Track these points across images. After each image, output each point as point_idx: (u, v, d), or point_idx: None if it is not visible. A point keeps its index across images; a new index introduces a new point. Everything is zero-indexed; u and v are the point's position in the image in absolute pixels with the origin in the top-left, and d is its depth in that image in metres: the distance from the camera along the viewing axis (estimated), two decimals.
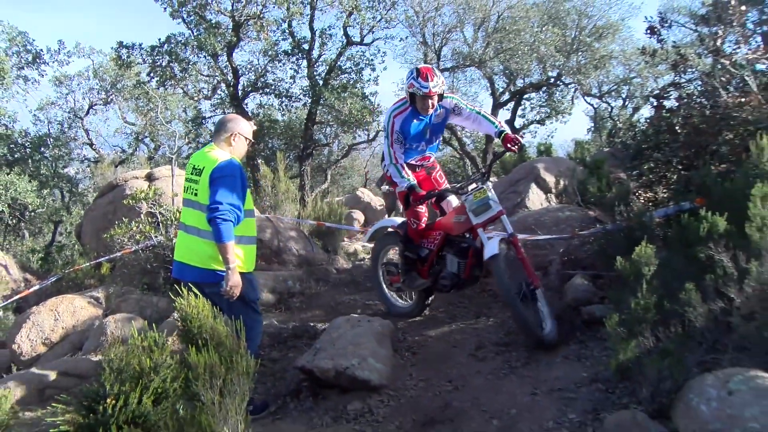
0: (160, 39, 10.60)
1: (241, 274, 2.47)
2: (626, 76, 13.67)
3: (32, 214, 12.46)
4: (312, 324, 3.73)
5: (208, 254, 2.46)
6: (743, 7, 3.19)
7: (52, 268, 8.15)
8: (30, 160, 12.93)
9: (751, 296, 1.98)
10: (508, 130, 3.08)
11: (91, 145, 16.09)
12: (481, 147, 14.67)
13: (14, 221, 12.48)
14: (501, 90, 13.98)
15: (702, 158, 3.09)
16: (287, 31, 11.30)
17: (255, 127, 2.85)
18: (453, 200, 3.35)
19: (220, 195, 2.37)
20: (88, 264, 6.12)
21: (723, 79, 3.20)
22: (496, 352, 2.88)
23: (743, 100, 3.02)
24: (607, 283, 2.95)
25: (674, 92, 3.60)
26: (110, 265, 5.98)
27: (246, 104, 12.07)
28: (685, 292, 2.05)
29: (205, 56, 10.94)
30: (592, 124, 15.80)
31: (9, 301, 5.62)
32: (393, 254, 3.86)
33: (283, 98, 11.87)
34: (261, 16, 10.51)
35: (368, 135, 13.92)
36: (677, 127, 3.34)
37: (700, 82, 3.46)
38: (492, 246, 2.83)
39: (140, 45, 10.77)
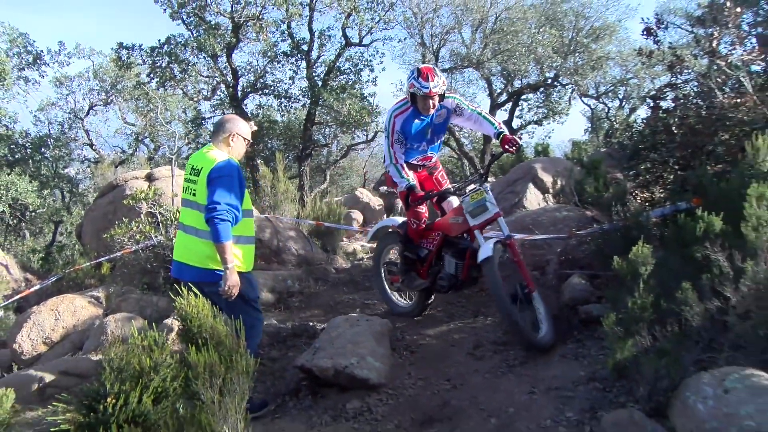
0: (159, 40, 10.63)
1: (240, 273, 2.48)
2: (623, 77, 13.71)
3: (33, 214, 12.49)
4: (311, 323, 3.74)
5: (206, 254, 2.47)
6: (738, 9, 3.21)
7: (52, 267, 8.17)
8: (31, 161, 12.98)
9: (746, 295, 1.99)
10: (506, 131, 3.07)
11: (91, 145, 16.11)
12: (479, 147, 14.69)
13: (15, 221, 12.51)
14: (499, 91, 14.01)
15: (698, 158, 3.11)
16: (286, 32, 11.33)
17: (255, 128, 2.86)
18: (454, 201, 3.35)
19: (217, 195, 2.38)
20: (88, 264, 6.14)
21: (719, 80, 3.22)
22: (494, 351, 2.89)
23: (739, 100, 3.04)
24: (605, 282, 2.96)
25: (671, 93, 3.62)
26: (110, 265, 5.99)
27: (245, 105, 12.10)
28: (681, 292, 2.06)
29: (204, 57, 10.96)
30: (589, 125, 15.85)
31: (10, 300, 5.63)
32: (394, 254, 3.86)
33: (283, 99, 11.88)
34: (260, 17, 10.53)
35: (367, 135, 13.95)
36: (674, 128, 3.35)
37: (696, 83, 3.49)
38: (486, 249, 2.81)
39: (140, 46, 10.79)
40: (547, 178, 5.20)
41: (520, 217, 4.18)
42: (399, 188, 3.21)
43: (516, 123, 14.38)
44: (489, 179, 3.70)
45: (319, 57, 11.67)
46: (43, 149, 13.53)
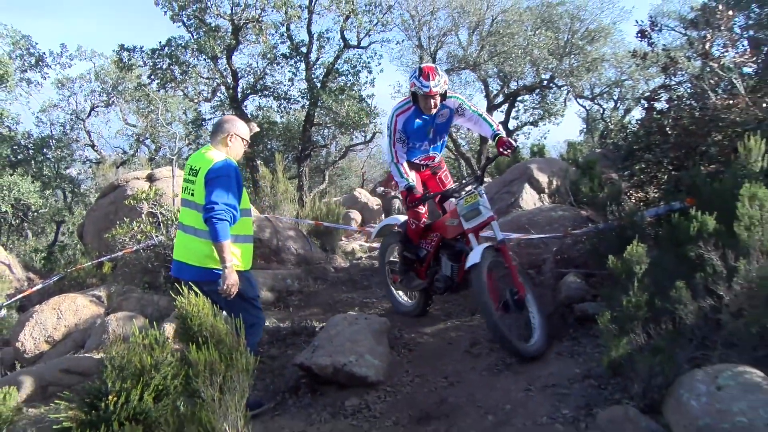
0: (160, 42, 10.64)
1: (239, 272, 2.50)
2: (618, 78, 13.79)
3: (35, 214, 12.54)
4: (310, 322, 3.77)
5: (205, 253, 2.49)
6: (730, 12, 3.24)
7: (54, 267, 8.21)
8: (33, 162, 13.03)
9: (739, 294, 2.01)
10: (503, 134, 3.04)
11: (92, 146, 16.15)
12: (475, 148, 14.72)
13: (17, 221, 12.55)
14: (495, 92, 14.08)
15: (692, 159, 3.14)
16: (285, 34, 11.36)
17: (257, 129, 2.88)
18: (454, 202, 3.36)
19: (215, 195, 2.40)
20: (90, 263, 6.17)
21: (712, 81, 3.24)
22: (491, 349, 2.90)
23: (731, 102, 3.06)
24: (600, 281, 2.98)
25: (664, 94, 3.63)
26: (112, 265, 6.02)
27: (245, 106, 12.12)
28: (675, 290, 2.08)
29: (204, 59, 10.99)
30: (585, 126, 15.90)
31: (12, 299, 5.67)
32: (396, 252, 3.87)
33: (282, 100, 11.92)
34: (260, 19, 10.57)
35: (365, 136, 13.96)
36: (667, 129, 3.37)
37: (689, 85, 3.51)
38: (474, 256, 2.75)
39: (141, 48, 10.81)
40: (543, 179, 5.22)
41: (517, 216, 4.20)
42: (399, 188, 3.21)
43: (512, 124, 14.44)
44: (485, 179, 3.70)
45: (317, 59, 11.70)
46: (45, 150, 13.58)
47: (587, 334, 2.74)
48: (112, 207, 7.13)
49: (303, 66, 11.52)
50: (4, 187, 10.50)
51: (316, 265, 5.29)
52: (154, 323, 2.77)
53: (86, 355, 3.78)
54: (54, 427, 1.71)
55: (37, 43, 13.73)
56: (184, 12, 10.25)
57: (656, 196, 3.55)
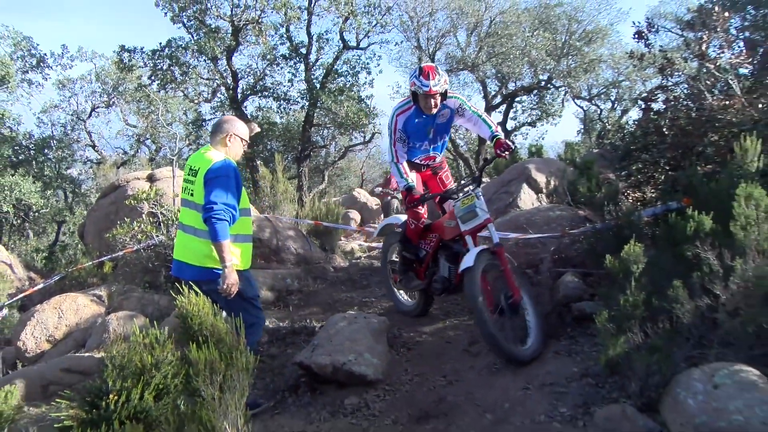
0: (161, 43, 10.73)
1: (238, 271, 2.51)
2: (615, 79, 13.86)
3: (36, 214, 12.59)
4: (310, 321, 3.78)
5: (205, 253, 2.50)
6: (726, 14, 3.25)
7: (55, 267, 8.23)
8: (34, 162, 13.08)
9: (735, 293, 2.03)
10: (501, 135, 3.03)
11: (93, 146, 16.20)
12: (473, 149, 14.75)
13: (19, 221, 12.60)
14: (493, 93, 14.12)
15: (688, 159, 3.15)
16: (285, 35, 11.40)
17: (258, 130, 2.89)
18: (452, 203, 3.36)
19: (214, 195, 2.41)
20: (90, 263, 6.19)
21: (708, 82, 3.26)
22: (489, 348, 2.92)
23: (727, 102, 3.07)
24: (597, 280, 2.98)
25: (661, 95, 3.64)
26: (112, 264, 6.03)
27: (245, 107, 12.16)
28: (672, 289, 2.09)
29: (205, 60, 11.03)
30: (582, 126, 15.96)
31: (14, 299, 5.69)
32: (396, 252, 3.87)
33: (282, 101, 11.95)
34: (259, 20, 10.60)
35: (364, 137, 14.00)
36: (664, 129, 3.38)
37: (686, 86, 3.52)
38: (468, 259, 2.73)
39: (141, 49, 10.86)
40: (541, 179, 5.22)
41: (515, 216, 4.20)
42: (399, 188, 3.21)
43: (510, 124, 14.49)
44: (483, 180, 3.70)
45: (317, 60, 11.75)
46: (46, 150, 13.62)
47: (585, 333, 2.74)
48: (113, 207, 7.15)
49: (302, 67, 11.56)
50: (6, 188, 10.54)
51: (315, 265, 5.30)
52: (155, 322, 2.79)
53: (87, 354, 3.79)
54: (55, 425, 1.72)
55: (38, 45, 13.82)
56: (184, 13, 10.29)
57: (653, 196, 3.56)
